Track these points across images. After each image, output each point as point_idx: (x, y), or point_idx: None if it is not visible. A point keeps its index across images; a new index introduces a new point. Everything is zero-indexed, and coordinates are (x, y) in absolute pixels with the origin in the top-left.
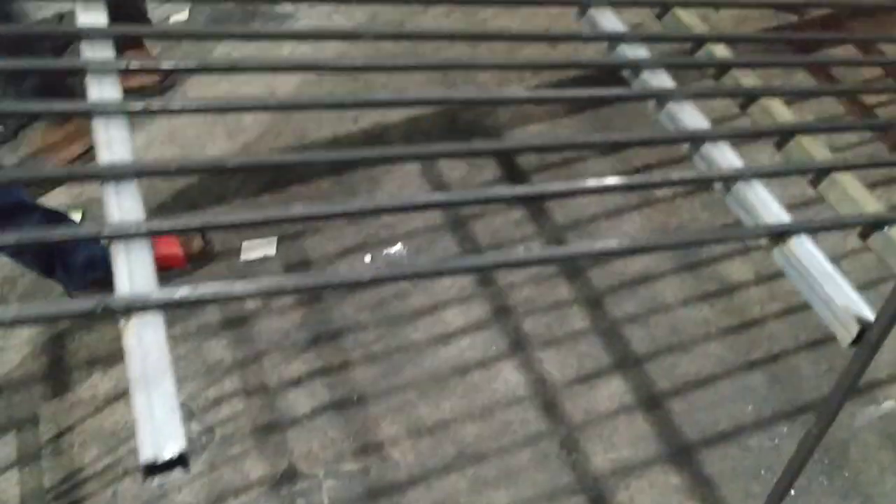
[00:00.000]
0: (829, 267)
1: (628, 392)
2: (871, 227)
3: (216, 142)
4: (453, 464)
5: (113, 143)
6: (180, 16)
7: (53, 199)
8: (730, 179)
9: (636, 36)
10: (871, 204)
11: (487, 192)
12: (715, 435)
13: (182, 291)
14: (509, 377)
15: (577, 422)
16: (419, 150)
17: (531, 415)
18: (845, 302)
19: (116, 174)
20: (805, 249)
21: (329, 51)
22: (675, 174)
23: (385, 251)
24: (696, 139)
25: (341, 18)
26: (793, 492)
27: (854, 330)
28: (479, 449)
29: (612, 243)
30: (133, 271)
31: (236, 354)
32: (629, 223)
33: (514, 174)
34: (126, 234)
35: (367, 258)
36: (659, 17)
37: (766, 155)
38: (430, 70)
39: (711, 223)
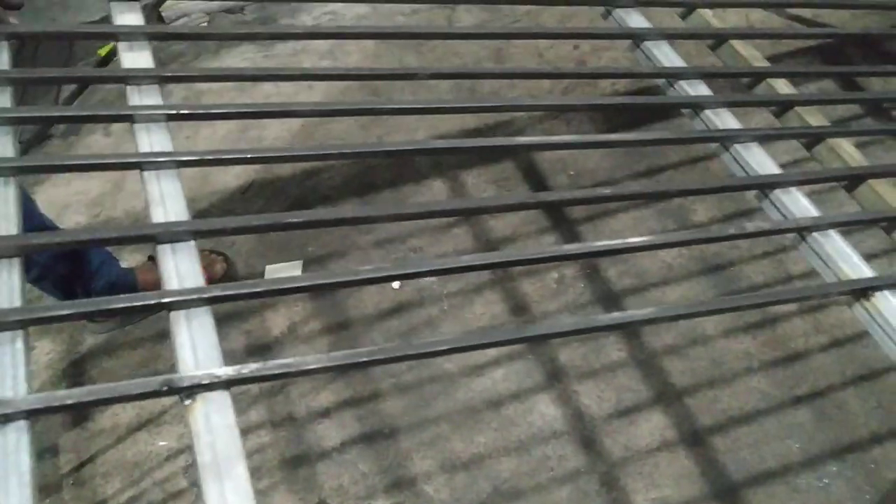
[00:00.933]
0: None
1: (669, 427)
2: None
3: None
4: (489, 501)
5: (166, 197)
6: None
7: None
8: (805, 230)
9: (696, 72)
10: None
11: (542, 252)
12: (761, 474)
13: (251, 367)
14: (545, 410)
15: (616, 458)
16: (465, 204)
17: (569, 450)
18: None
19: (172, 235)
20: (891, 306)
21: (352, 63)
22: (751, 225)
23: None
24: (766, 185)
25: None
26: None
27: None
28: (515, 485)
29: (675, 307)
30: (196, 344)
31: (262, 385)
32: (666, 250)
33: (556, 219)
34: (186, 302)
35: (396, 284)
36: (713, 48)
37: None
38: (469, 112)
39: (751, 251)
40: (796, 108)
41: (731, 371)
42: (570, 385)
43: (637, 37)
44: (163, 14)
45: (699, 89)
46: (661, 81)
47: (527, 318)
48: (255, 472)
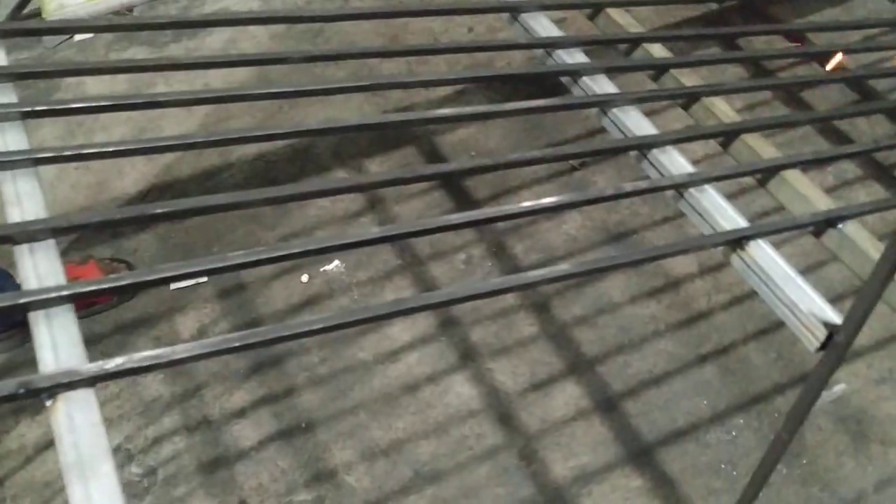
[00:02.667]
0: (790, 271)
1: (583, 396)
2: (824, 224)
3: (135, 165)
4: (411, 485)
5: (23, 196)
6: None
7: None
8: (682, 186)
9: (573, 40)
10: (823, 201)
11: (438, 221)
12: (672, 433)
13: (115, 362)
14: (461, 390)
15: (533, 431)
16: (362, 179)
17: (487, 428)
18: (810, 307)
19: (29, 234)
20: (764, 254)
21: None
22: (628, 185)
23: (322, 268)
24: (645, 146)
25: (257, 28)
26: None
27: (821, 335)
28: (436, 468)
29: (566, 267)
30: (57, 343)
31: (174, 389)
32: (570, 223)
33: (447, 179)
34: (45, 301)
35: (304, 278)
36: (591, 17)
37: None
38: (360, 91)
39: (651, 217)
40: (672, 71)
41: (639, 336)
42: (484, 363)
43: (514, 9)
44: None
45: (576, 57)
46: (539, 52)
47: None
48: (172, 480)
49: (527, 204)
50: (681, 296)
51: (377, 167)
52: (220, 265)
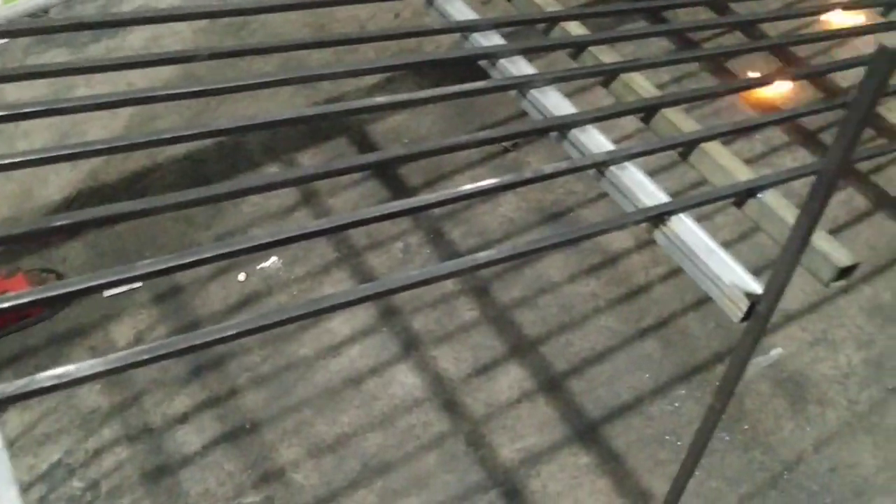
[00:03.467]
0: (712, 243)
1: (527, 378)
2: (744, 195)
3: (59, 172)
4: (359, 479)
5: None
6: None
7: None
8: (602, 165)
9: (488, 22)
10: (742, 171)
11: (373, 212)
12: (617, 408)
13: (18, 385)
14: (405, 380)
15: (479, 416)
16: (294, 174)
17: (432, 416)
18: (732, 279)
19: None
20: (686, 228)
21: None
22: (548, 168)
23: (259, 266)
24: (564, 126)
25: (179, 24)
26: None
27: (744, 306)
28: (384, 459)
29: (500, 251)
30: None
31: (113, 399)
32: (506, 205)
33: (382, 168)
34: None
35: (242, 276)
36: None
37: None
38: (280, 85)
39: (586, 195)
40: (590, 49)
41: (579, 314)
42: (426, 351)
43: None
44: None
45: (493, 39)
46: (457, 36)
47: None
48: (116, 491)
49: (445, 192)
50: (619, 271)
51: (309, 160)
52: (155, 269)
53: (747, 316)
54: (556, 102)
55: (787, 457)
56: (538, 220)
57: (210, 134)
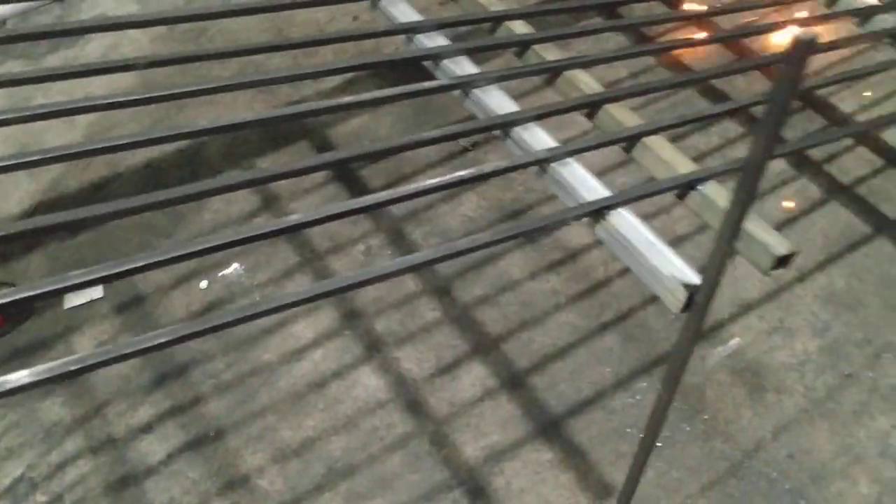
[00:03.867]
0: (651, 236)
1: (489, 376)
2: (686, 187)
3: (19, 184)
4: (324, 483)
5: None
6: None
7: None
8: (544, 161)
9: (432, 24)
10: (684, 164)
11: (329, 211)
12: (579, 403)
13: None
14: (368, 382)
15: (443, 416)
16: (252, 175)
17: (396, 417)
18: (670, 270)
19: None
20: (625, 222)
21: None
22: (489, 166)
23: (220, 273)
24: (506, 124)
25: (136, 32)
26: (659, 443)
27: (682, 297)
28: (348, 462)
29: (438, 250)
30: None
31: (75, 411)
32: (466, 204)
33: (343, 172)
34: None
35: (203, 284)
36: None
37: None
38: (234, 90)
39: (545, 192)
40: (534, 47)
41: (541, 310)
42: (389, 353)
43: None
44: None
45: (437, 40)
46: (402, 38)
47: (341, 296)
48: None
49: (384, 194)
50: (579, 267)
51: (269, 164)
52: (114, 271)
53: (687, 306)
54: (498, 101)
55: (747, 445)
56: (498, 217)
57: (168, 139)
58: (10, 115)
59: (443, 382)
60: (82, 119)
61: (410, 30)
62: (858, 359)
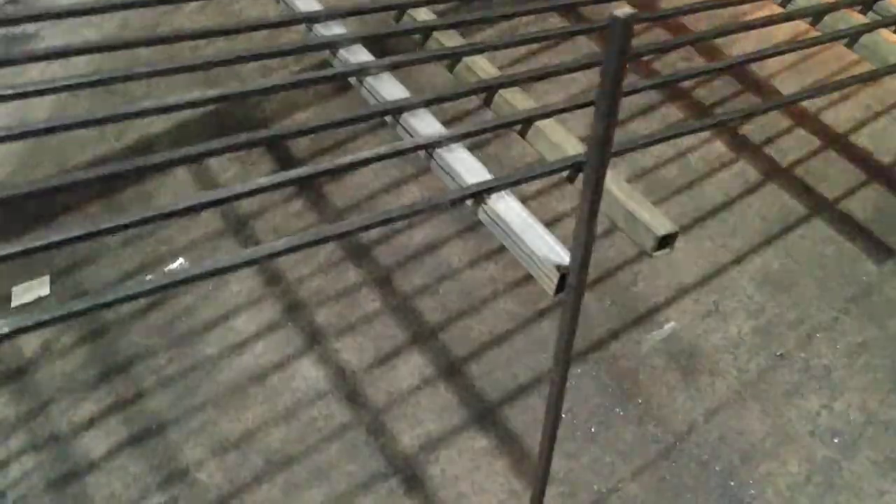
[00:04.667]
0: (529, 219)
1: (427, 365)
2: (575, 169)
3: None
4: (263, 474)
5: None
6: None
7: None
8: (430, 147)
9: (331, 12)
10: (575, 146)
11: (258, 182)
12: (515, 390)
13: None
14: (308, 374)
15: (380, 405)
16: (186, 151)
17: (334, 408)
18: (545, 252)
19: None
20: (504, 204)
21: (82, 66)
22: (368, 152)
23: (166, 268)
24: (396, 111)
25: (91, 32)
26: (593, 428)
27: (555, 278)
28: (287, 453)
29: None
30: None
31: (19, 409)
32: (408, 194)
33: (289, 165)
34: None
35: (149, 278)
36: None
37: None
38: (171, 74)
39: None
40: (435, 35)
41: (479, 298)
42: (329, 344)
43: None
44: None
45: (334, 30)
46: (301, 27)
47: (283, 287)
48: (22, 501)
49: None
50: None
51: (216, 159)
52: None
53: (560, 288)
54: (390, 89)
55: (679, 428)
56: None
57: (112, 119)
58: None
59: (381, 372)
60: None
61: (308, 19)
62: (791, 340)
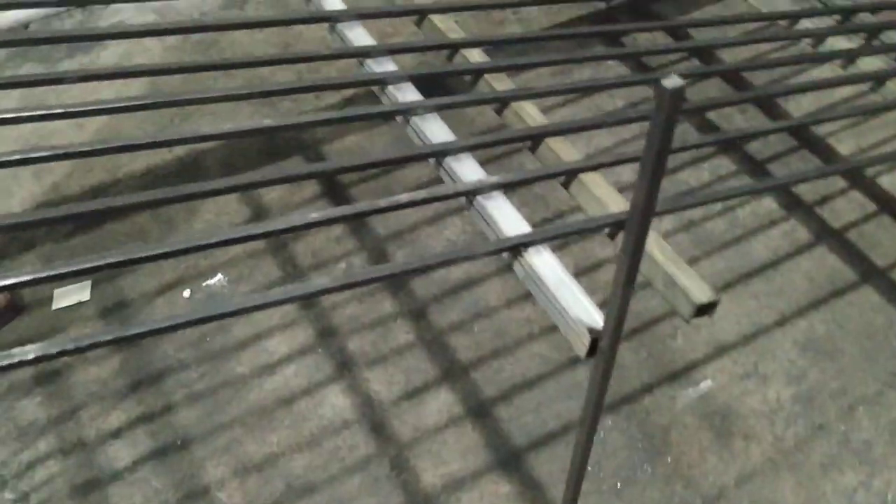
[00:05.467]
0: (564, 276)
1: (456, 403)
2: (616, 227)
3: (23, 185)
4: (283, 499)
5: None
6: None
7: None
8: (470, 194)
9: (383, 49)
10: (617, 203)
11: (307, 219)
12: (543, 436)
13: None
14: (336, 402)
15: (406, 440)
16: (237, 181)
17: (359, 438)
18: (578, 313)
19: None
20: (541, 260)
21: (138, 82)
22: (404, 196)
23: (204, 283)
24: (439, 153)
25: (152, 42)
26: (619, 484)
27: (587, 341)
28: (308, 480)
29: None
30: None
31: (51, 412)
32: (451, 228)
33: (332, 189)
34: None
35: (187, 293)
36: (417, 24)
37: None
38: (235, 101)
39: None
40: (486, 76)
41: (513, 339)
42: (360, 373)
43: (330, 19)
44: None
45: (386, 66)
46: (354, 61)
47: (317, 311)
48: None
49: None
50: None
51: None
52: (97, 264)
53: (592, 351)
54: (435, 130)
55: (708, 491)
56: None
57: (168, 143)
58: (18, 115)
59: (409, 406)
60: (90, 125)
61: (363, 54)
62: (832, 410)
